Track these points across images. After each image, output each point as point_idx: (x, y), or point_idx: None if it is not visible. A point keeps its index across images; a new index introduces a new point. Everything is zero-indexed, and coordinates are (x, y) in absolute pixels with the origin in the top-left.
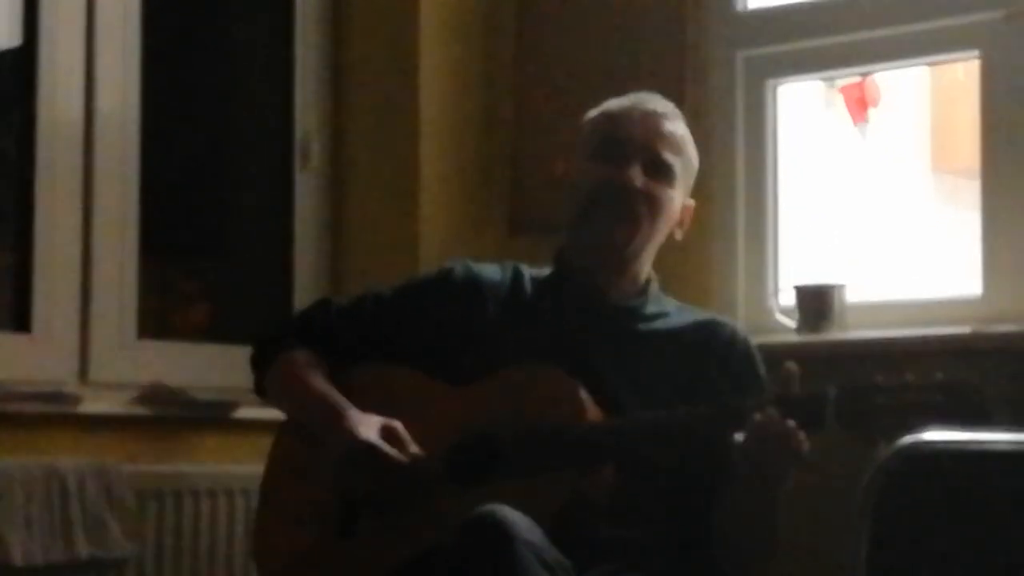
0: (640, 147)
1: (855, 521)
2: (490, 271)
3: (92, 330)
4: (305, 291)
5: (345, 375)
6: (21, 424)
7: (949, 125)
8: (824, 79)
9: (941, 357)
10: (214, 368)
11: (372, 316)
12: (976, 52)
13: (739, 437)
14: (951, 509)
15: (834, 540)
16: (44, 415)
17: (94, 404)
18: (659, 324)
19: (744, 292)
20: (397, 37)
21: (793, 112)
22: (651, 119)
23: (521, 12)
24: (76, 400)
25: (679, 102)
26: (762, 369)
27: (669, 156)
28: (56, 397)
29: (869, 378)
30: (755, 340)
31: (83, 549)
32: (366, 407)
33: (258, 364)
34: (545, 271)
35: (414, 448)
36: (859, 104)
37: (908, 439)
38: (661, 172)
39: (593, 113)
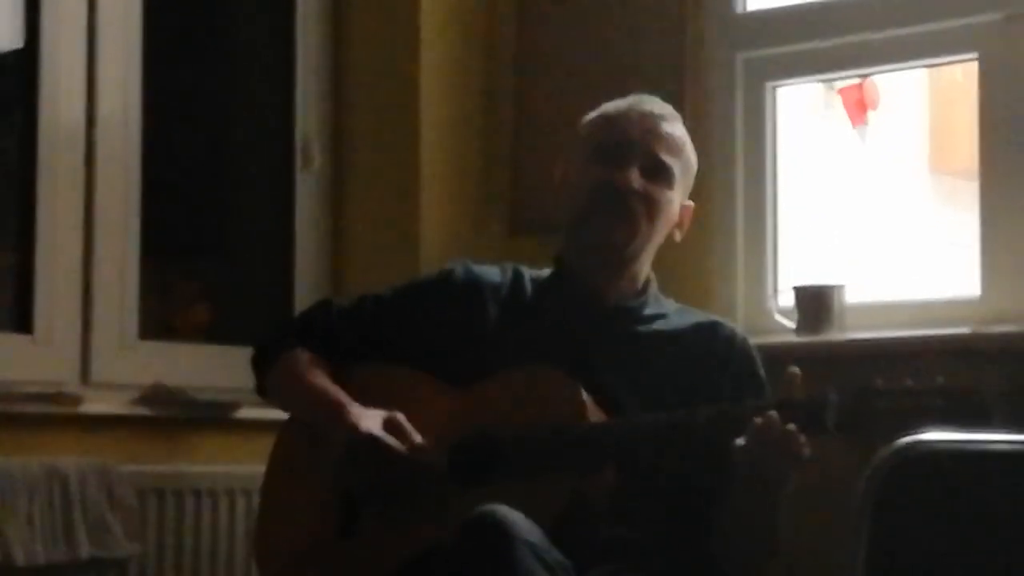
0: (638, 149)
1: (854, 521)
2: (490, 273)
3: (93, 331)
4: (305, 292)
5: (345, 374)
6: (23, 424)
7: (948, 127)
8: (823, 81)
9: (940, 358)
10: (215, 369)
11: (373, 317)
12: (975, 54)
13: (740, 440)
14: (950, 509)
15: (833, 540)
16: (46, 415)
17: (95, 404)
18: (659, 325)
19: (743, 293)
20: (397, 38)
21: (792, 114)
22: (649, 121)
23: (521, 13)
24: (77, 400)
25: (678, 104)
26: (762, 371)
27: (667, 158)
28: (57, 398)
29: (869, 381)
30: (754, 341)
31: (84, 549)
32: (366, 405)
33: (259, 365)
34: (545, 273)
35: (417, 437)
36: (858, 106)
37: (907, 439)
38: (659, 174)
39: (591, 115)
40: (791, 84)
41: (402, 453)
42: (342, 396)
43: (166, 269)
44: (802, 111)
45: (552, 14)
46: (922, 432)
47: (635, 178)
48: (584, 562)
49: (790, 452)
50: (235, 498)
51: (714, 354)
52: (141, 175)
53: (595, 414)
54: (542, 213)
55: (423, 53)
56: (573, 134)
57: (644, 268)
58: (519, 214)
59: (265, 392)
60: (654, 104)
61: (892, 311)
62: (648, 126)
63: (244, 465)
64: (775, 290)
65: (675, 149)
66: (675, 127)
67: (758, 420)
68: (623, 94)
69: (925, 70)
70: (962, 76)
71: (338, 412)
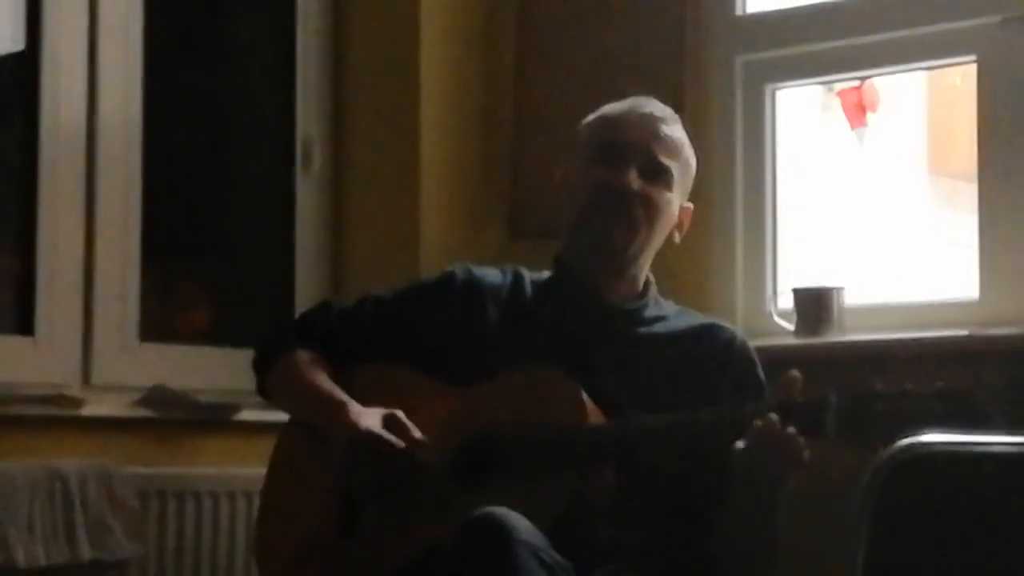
0: (637, 150)
1: (853, 522)
2: (491, 274)
3: (95, 333)
4: (306, 294)
5: (346, 375)
6: (24, 426)
7: (946, 129)
8: (822, 83)
9: (938, 360)
10: (216, 370)
11: (373, 318)
12: (973, 56)
13: (740, 442)
14: (948, 511)
15: (832, 541)
16: (47, 417)
17: (97, 407)
18: (658, 327)
19: (743, 295)
20: (398, 40)
21: (791, 116)
22: (648, 122)
23: (521, 15)
24: (79, 403)
25: (678, 106)
26: (762, 373)
27: (666, 159)
28: (59, 400)
29: (869, 385)
30: (753, 343)
31: (85, 551)
32: (367, 405)
33: (260, 366)
34: (546, 275)
35: (417, 434)
36: (857, 108)
37: (906, 441)
38: (658, 175)
39: (591, 117)
40: (791, 86)
41: (402, 450)
42: (342, 395)
43: (167, 271)
44: (801, 113)
45: (552, 15)
46: (921, 434)
47: (634, 179)
48: (584, 563)
49: (790, 455)
50: (236, 500)
51: (713, 356)
52: (142, 177)
53: (595, 415)
54: (542, 216)
55: (423, 53)
56: (573, 135)
57: (644, 270)
58: (519, 216)
59: (266, 393)
60: (653, 106)
61: (891, 313)
62: (647, 128)
63: (245, 467)
64: (774, 292)
65: (674, 151)
66: (674, 129)
67: (758, 423)
68: (623, 96)
69: (924, 72)
70: (961, 78)
71: (338, 411)
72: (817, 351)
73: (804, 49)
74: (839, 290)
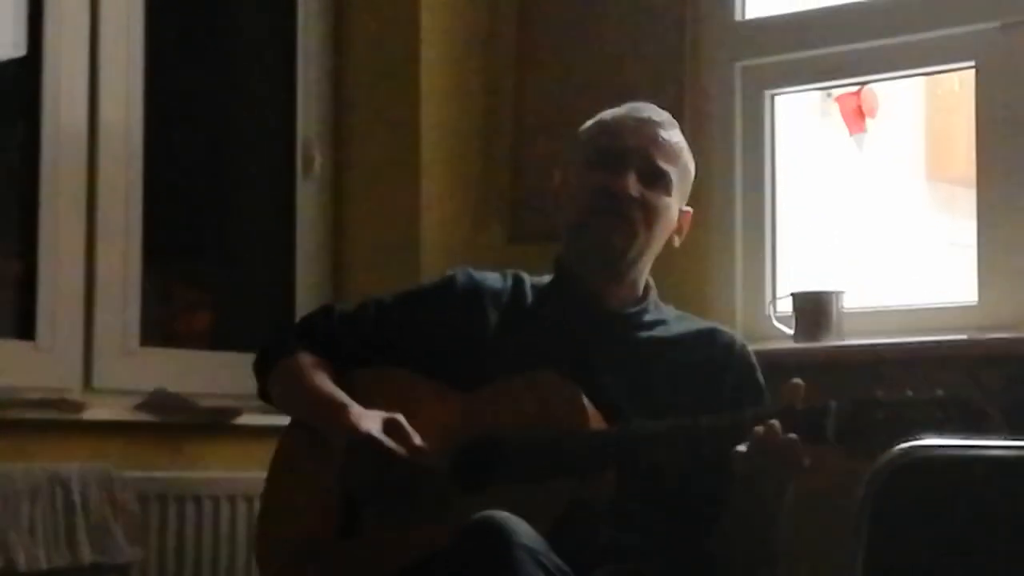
0: (636, 155)
1: (853, 525)
2: (492, 279)
3: (96, 337)
4: (307, 298)
5: (347, 378)
6: (25, 430)
7: (945, 134)
8: (821, 89)
9: (937, 364)
10: (217, 375)
11: (374, 322)
12: (972, 62)
13: (740, 447)
14: (948, 514)
15: (832, 543)
16: (48, 422)
17: (98, 411)
18: (658, 332)
19: (742, 299)
20: (398, 40)
21: (790, 121)
22: (646, 127)
23: (521, 20)
24: (80, 407)
25: (678, 111)
26: (761, 377)
27: (664, 164)
28: (60, 404)
29: (869, 392)
30: (753, 347)
31: (86, 555)
32: (368, 409)
33: (261, 370)
34: (546, 279)
35: (417, 439)
36: (856, 114)
37: (905, 445)
38: (657, 180)
39: (589, 122)
40: (789, 92)
41: (402, 454)
42: (343, 397)
43: (168, 275)
44: (800, 119)
45: (552, 17)
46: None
47: (632, 184)
48: (584, 565)
49: (791, 460)
50: (237, 504)
51: (713, 360)
52: (143, 182)
53: (595, 418)
54: (542, 220)
55: (423, 53)
56: (572, 138)
57: (643, 274)
58: (519, 221)
59: (267, 396)
60: (652, 111)
61: (890, 317)
62: (646, 133)
63: (246, 471)
64: (773, 296)
65: (672, 156)
66: (672, 134)
67: (759, 428)
68: (622, 101)
69: (923, 78)
70: (959, 84)
71: (338, 413)
72: (816, 355)
73: (803, 55)
74: (838, 294)
